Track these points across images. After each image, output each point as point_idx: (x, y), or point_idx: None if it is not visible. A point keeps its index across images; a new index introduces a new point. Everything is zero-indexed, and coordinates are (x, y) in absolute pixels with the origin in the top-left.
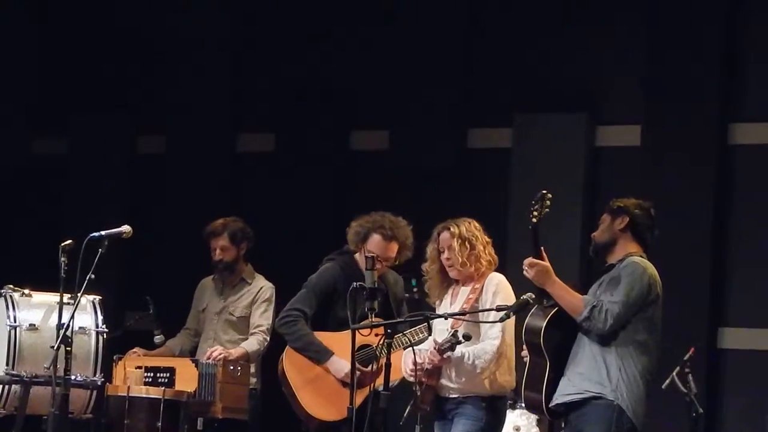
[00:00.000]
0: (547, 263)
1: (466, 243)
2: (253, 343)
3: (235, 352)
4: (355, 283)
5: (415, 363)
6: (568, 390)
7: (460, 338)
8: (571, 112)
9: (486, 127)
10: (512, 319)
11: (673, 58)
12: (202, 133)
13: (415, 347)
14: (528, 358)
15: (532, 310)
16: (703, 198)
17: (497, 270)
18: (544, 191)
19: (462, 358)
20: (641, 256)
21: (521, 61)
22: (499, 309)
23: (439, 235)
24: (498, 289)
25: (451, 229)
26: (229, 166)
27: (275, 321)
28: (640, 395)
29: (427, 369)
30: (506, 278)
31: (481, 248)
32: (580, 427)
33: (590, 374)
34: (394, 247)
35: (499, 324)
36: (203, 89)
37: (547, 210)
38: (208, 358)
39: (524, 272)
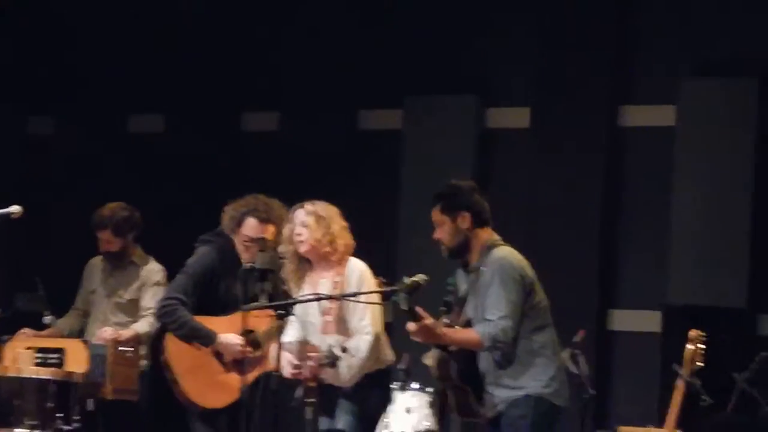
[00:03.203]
0: (427, 320)
1: (322, 221)
2: (144, 325)
3: (125, 333)
4: (246, 264)
5: (293, 365)
6: (492, 401)
7: (339, 355)
8: (461, 94)
9: (377, 108)
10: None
11: (563, 40)
12: (93, 114)
13: (286, 343)
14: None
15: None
16: (592, 180)
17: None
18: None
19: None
20: (496, 241)
21: (412, 43)
22: (391, 291)
23: (294, 213)
24: (362, 279)
25: (307, 207)
26: (120, 147)
27: (155, 311)
28: (555, 372)
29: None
30: (395, 258)
31: (337, 228)
32: (514, 426)
33: (504, 381)
34: (270, 229)
35: (368, 316)
36: (96, 69)
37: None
38: (99, 339)
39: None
